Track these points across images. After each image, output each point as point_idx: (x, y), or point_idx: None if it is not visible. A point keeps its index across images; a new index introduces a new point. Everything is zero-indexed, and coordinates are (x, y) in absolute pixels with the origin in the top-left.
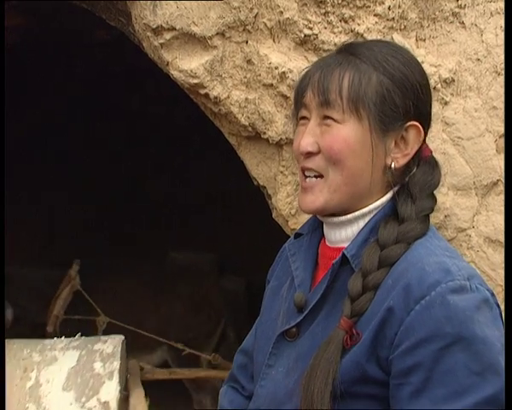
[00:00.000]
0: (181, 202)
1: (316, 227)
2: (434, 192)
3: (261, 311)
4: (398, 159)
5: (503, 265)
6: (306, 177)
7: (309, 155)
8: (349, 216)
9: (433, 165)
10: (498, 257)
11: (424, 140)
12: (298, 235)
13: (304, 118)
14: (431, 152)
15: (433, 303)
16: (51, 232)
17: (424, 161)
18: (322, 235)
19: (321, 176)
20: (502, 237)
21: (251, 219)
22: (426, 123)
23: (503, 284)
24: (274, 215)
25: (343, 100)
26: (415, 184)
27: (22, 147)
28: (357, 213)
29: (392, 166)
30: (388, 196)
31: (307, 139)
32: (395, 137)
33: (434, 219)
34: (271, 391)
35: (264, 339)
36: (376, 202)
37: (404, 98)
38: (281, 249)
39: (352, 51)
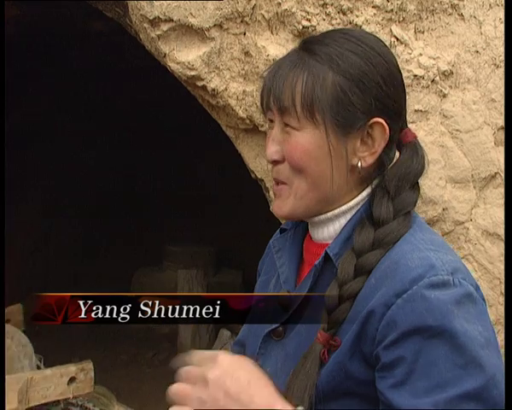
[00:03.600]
0: (180, 196)
1: (300, 222)
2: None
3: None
4: (365, 158)
5: (501, 258)
6: (277, 183)
7: (275, 163)
8: (328, 215)
9: (415, 151)
10: (496, 250)
11: (390, 135)
12: (283, 230)
13: (271, 121)
14: (414, 137)
15: (414, 297)
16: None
17: (406, 148)
18: (307, 230)
19: (285, 183)
20: (500, 230)
21: (248, 213)
22: (395, 117)
23: (500, 277)
24: (271, 208)
25: (297, 107)
26: (391, 179)
27: (18, 136)
28: (336, 211)
29: (359, 165)
30: (368, 190)
31: (272, 148)
32: (360, 135)
33: (432, 212)
34: None
35: (253, 337)
36: (356, 198)
37: (364, 96)
38: (268, 243)
39: (308, 48)
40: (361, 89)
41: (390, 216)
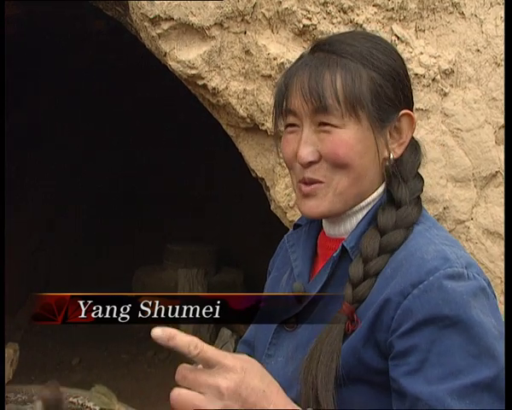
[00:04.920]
0: (180, 195)
1: (313, 219)
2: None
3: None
4: (394, 149)
5: (502, 257)
6: (307, 184)
7: (310, 164)
8: (348, 212)
9: (415, 145)
10: (497, 249)
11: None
12: (297, 226)
13: (292, 125)
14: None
15: (430, 287)
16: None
17: (409, 145)
18: (321, 226)
19: (320, 181)
20: (500, 229)
21: (249, 212)
22: (412, 106)
23: (501, 276)
24: (272, 207)
25: (341, 104)
26: (404, 168)
27: (18, 136)
28: (355, 208)
29: (391, 157)
30: (384, 186)
31: (306, 149)
32: (389, 128)
33: (433, 210)
34: None
35: (265, 329)
36: (373, 194)
37: (395, 89)
38: (281, 240)
39: (332, 50)
40: (392, 83)
41: (407, 198)
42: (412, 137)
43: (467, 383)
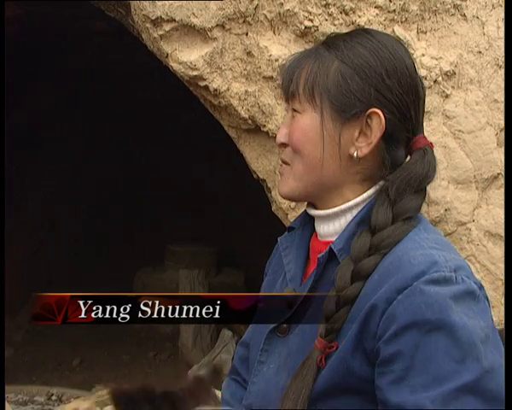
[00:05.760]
0: (181, 196)
1: (307, 221)
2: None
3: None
4: (361, 148)
5: (504, 259)
6: (281, 164)
7: (282, 145)
8: (335, 209)
9: (422, 156)
10: (498, 251)
11: (391, 131)
12: (291, 228)
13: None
14: (426, 144)
15: (414, 292)
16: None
17: (414, 154)
18: (314, 229)
19: (288, 164)
20: (502, 231)
21: (250, 213)
22: (399, 114)
23: (503, 277)
24: (273, 209)
25: (299, 89)
26: (393, 183)
27: (18, 136)
28: (342, 206)
29: (355, 155)
30: (375, 188)
31: (282, 131)
32: (360, 125)
33: (435, 212)
34: (262, 388)
35: (259, 334)
36: (360, 195)
37: (363, 84)
38: (277, 243)
39: (326, 42)
40: (361, 77)
41: (387, 222)
42: (422, 151)
43: (450, 388)
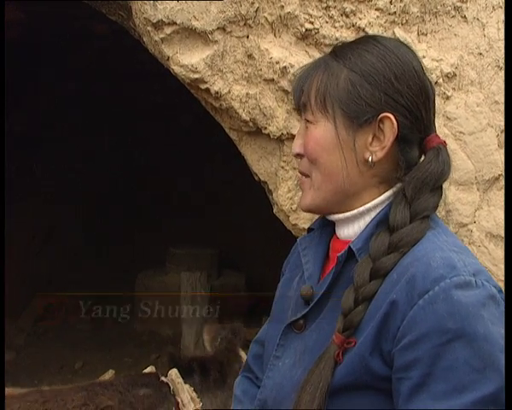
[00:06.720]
0: (182, 198)
1: (326, 223)
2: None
3: (274, 302)
4: (376, 152)
5: (504, 260)
6: (301, 175)
7: (298, 156)
8: (353, 212)
9: (436, 155)
10: (500, 252)
11: (403, 133)
12: (310, 230)
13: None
14: (440, 143)
15: (436, 298)
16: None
17: (428, 153)
18: (334, 230)
19: (308, 175)
20: (503, 232)
21: (251, 215)
22: (410, 116)
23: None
24: (275, 211)
25: (311, 100)
26: (409, 183)
27: (18, 136)
28: (361, 208)
29: (369, 159)
30: (392, 190)
31: (297, 141)
32: (373, 130)
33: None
34: (278, 382)
35: (275, 330)
36: (378, 197)
37: (373, 90)
38: (295, 243)
39: (334, 51)
40: (371, 83)
41: (405, 221)
42: (436, 150)
43: (471, 399)
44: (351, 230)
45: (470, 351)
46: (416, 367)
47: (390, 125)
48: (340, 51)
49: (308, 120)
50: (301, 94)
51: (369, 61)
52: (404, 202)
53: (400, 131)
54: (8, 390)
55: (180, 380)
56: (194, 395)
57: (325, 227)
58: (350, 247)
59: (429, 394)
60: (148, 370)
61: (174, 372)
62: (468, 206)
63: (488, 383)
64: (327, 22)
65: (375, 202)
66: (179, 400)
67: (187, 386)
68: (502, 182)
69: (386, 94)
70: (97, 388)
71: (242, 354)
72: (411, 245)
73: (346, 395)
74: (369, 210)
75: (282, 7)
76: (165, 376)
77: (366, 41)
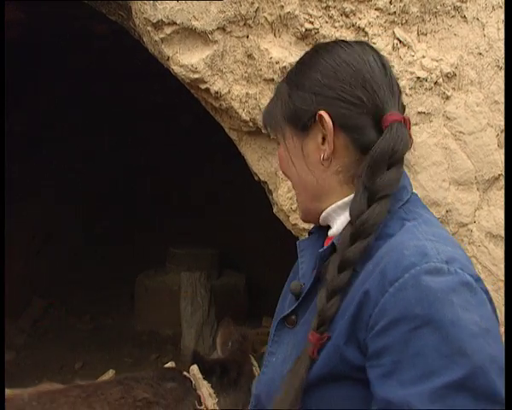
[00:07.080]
0: (183, 198)
1: (323, 226)
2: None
3: (279, 301)
4: (325, 150)
5: (504, 260)
6: None
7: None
8: (328, 210)
9: (387, 131)
10: (500, 252)
11: (336, 123)
12: (310, 233)
13: None
14: (394, 120)
15: (405, 285)
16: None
17: (384, 133)
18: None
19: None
20: (503, 232)
21: (251, 215)
22: (342, 103)
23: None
24: (275, 211)
25: (267, 126)
26: (364, 167)
27: (19, 136)
28: (333, 206)
29: (321, 157)
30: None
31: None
32: (319, 131)
33: (436, 214)
34: (270, 378)
35: (272, 327)
36: (351, 194)
37: (304, 94)
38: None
39: (287, 73)
40: (301, 89)
41: (362, 208)
42: (389, 128)
43: (439, 384)
44: (334, 227)
45: (438, 337)
46: (386, 354)
47: (325, 120)
48: (288, 72)
49: (278, 142)
50: (266, 122)
51: (302, 70)
52: (362, 189)
53: (337, 121)
54: (45, 386)
55: (200, 376)
56: (211, 391)
57: (322, 229)
58: (333, 242)
59: (398, 380)
60: (169, 365)
61: (195, 368)
62: (467, 206)
63: (456, 369)
64: (327, 22)
65: (346, 200)
66: (200, 394)
67: (205, 382)
68: (502, 182)
69: (315, 93)
70: (131, 382)
71: (251, 357)
72: (375, 229)
73: (324, 387)
74: (345, 204)
75: (282, 7)
76: (188, 372)
77: (308, 53)
